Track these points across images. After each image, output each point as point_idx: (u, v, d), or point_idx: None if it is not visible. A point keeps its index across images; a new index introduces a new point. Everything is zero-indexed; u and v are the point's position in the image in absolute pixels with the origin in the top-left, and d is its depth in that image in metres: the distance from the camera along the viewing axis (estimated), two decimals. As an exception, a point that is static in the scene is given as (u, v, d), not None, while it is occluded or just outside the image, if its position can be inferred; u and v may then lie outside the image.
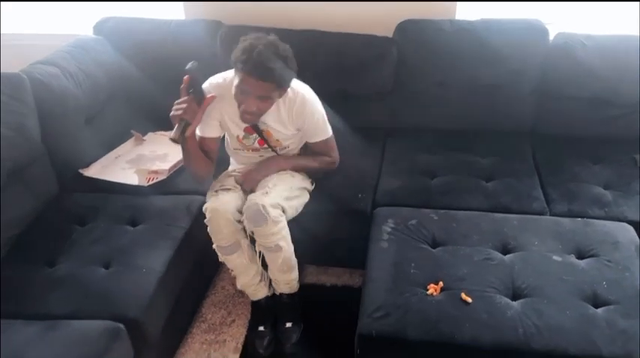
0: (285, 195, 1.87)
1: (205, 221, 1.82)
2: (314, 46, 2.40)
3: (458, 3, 2.46)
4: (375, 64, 2.37)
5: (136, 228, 1.92)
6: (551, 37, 2.31)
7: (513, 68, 2.31)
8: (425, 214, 1.89)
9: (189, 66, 1.73)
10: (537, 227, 1.83)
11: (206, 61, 2.44)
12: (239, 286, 2.00)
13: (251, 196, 1.84)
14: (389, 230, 1.82)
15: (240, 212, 1.83)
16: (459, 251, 1.73)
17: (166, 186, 2.14)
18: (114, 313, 1.58)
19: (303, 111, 1.87)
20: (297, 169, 2.01)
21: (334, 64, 2.39)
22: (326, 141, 1.99)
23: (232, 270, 1.97)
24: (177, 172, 2.20)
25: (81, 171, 2.19)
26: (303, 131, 1.94)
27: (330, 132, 1.98)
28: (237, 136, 1.93)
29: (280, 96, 1.78)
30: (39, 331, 1.51)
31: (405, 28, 2.39)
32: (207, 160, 1.90)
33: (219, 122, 1.90)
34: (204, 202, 1.91)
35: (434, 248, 1.77)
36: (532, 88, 2.33)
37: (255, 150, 1.98)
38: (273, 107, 1.82)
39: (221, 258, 1.91)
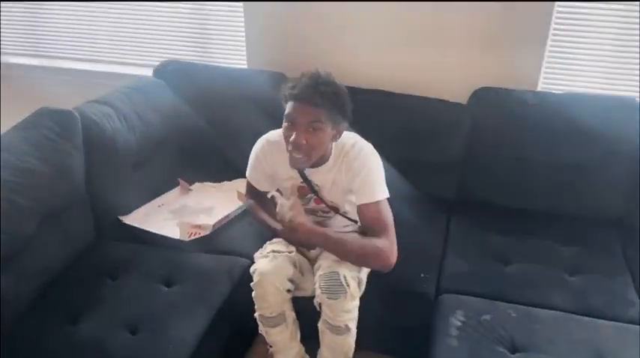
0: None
1: (252, 284, 1.60)
2: (380, 107, 2.25)
3: (542, 72, 2.26)
4: (447, 133, 2.19)
5: (171, 288, 1.72)
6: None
7: (604, 150, 2.06)
8: (501, 309, 1.63)
9: None
10: (638, 340, 1.53)
11: (267, 113, 2.37)
12: None
13: (325, 262, 1.61)
14: (458, 324, 1.56)
15: (291, 281, 1.61)
16: (543, 362, 1.45)
17: (209, 243, 1.95)
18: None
19: (357, 162, 1.61)
20: (338, 247, 1.59)
21: (401, 127, 2.22)
22: (378, 207, 1.59)
23: (271, 346, 1.73)
24: (221, 229, 2.02)
25: (120, 218, 2.04)
26: (354, 189, 1.64)
27: (383, 196, 1.60)
28: None
29: (334, 135, 1.57)
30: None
31: (482, 96, 2.21)
32: None
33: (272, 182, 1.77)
34: (249, 265, 1.72)
35: (512, 353, 1.49)
36: (624, 174, 2.07)
37: (312, 211, 1.76)
38: (327, 166, 1.64)
39: (261, 330, 1.68)
